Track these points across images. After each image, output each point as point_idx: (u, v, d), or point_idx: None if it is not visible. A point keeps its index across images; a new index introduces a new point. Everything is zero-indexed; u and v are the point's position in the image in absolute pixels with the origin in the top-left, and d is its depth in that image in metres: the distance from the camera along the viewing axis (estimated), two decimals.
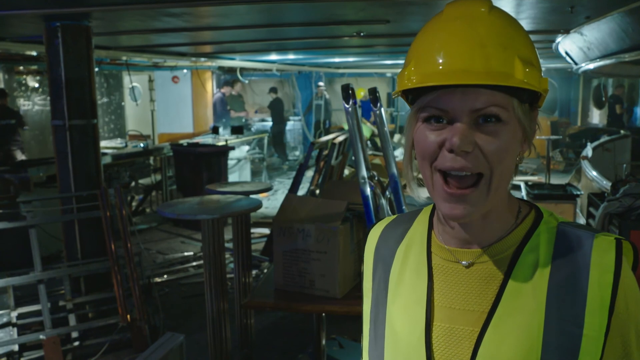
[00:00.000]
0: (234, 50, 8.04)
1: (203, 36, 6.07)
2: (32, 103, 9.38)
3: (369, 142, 11.05)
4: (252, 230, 6.17)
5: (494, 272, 0.84)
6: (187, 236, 6.85)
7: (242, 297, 3.79)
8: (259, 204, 3.61)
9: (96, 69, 5.12)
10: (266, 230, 6.65)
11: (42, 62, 7.44)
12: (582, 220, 5.19)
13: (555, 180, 8.71)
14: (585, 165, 6.45)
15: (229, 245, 4.51)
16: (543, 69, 0.85)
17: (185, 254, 6.13)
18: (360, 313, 1.04)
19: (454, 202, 0.79)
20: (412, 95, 0.83)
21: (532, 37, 0.82)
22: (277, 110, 12.73)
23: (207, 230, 3.37)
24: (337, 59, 10.33)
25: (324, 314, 2.85)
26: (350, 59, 10.45)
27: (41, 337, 3.72)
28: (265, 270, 5.16)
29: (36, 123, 9.29)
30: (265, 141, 11.24)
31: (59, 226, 4.72)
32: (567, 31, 5.18)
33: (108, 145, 8.18)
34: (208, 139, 9.02)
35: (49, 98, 4.45)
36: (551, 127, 13.07)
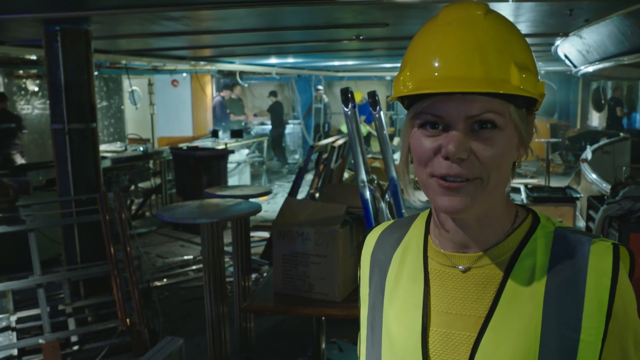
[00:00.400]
0: (234, 54, 8.05)
1: (202, 40, 6.08)
2: (32, 107, 9.39)
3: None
4: (252, 233, 6.16)
5: (491, 276, 0.84)
6: (186, 240, 6.84)
7: (241, 301, 3.79)
8: (258, 208, 3.61)
9: (95, 73, 5.12)
10: (266, 234, 6.65)
11: (42, 66, 7.45)
12: (582, 223, 5.19)
13: (555, 183, 8.71)
14: (585, 168, 6.45)
15: (229, 249, 4.50)
16: (542, 72, 0.85)
17: (185, 257, 6.12)
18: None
19: (451, 195, 0.78)
20: (407, 100, 0.83)
21: (531, 40, 0.82)
22: (277, 114, 12.74)
23: (207, 234, 3.37)
24: (336, 63, 10.34)
25: (323, 318, 2.85)
26: (350, 63, 10.46)
27: (40, 341, 3.71)
28: (265, 274, 5.15)
29: (36, 127, 9.30)
30: (265, 145, 11.24)
31: (59, 230, 4.72)
32: (566, 34, 5.18)
33: (108, 149, 8.18)
34: (208, 143, 9.02)
35: (48, 102, 4.45)
36: (550, 130, 13.07)
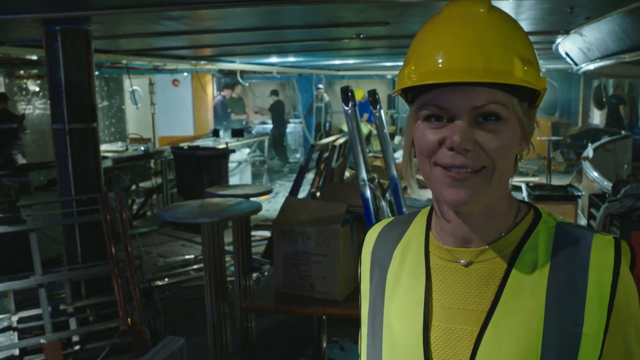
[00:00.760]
0: (234, 53, 8.05)
1: (203, 39, 6.08)
2: (33, 107, 9.39)
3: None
4: (253, 233, 6.16)
5: (493, 271, 0.84)
6: (188, 239, 6.84)
7: (242, 300, 3.79)
8: (259, 207, 3.61)
9: (96, 73, 5.12)
10: (267, 233, 6.65)
11: (43, 66, 7.44)
12: (583, 221, 5.18)
13: (556, 181, 8.70)
14: (586, 166, 6.44)
15: (230, 248, 4.50)
16: (543, 70, 0.85)
17: (186, 257, 6.12)
18: None
19: (456, 187, 0.78)
20: (411, 94, 0.83)
21: (532, 38, 0.83)
22: (278, 113, 12.73)
23: (207, 233, 3.37)
24: (337, 61, 10.33)
25: (324, 317, 2.84)
26: (350, 61, 10.46)
27: (42, 341, 3.71)
28: (266, 273, 5.15)
29: (36, 127, 9.30)
30: (266, 144, 11.24)
31: (60, 230, 4.72)
32: (567, 32, 5.17)
33: (109, 148, 8.18)
34: (209, 142, 9.02)
35: (49, 102, 4.45)
36: (552, 128, 13.05)
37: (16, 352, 3.76)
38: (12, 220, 4.70)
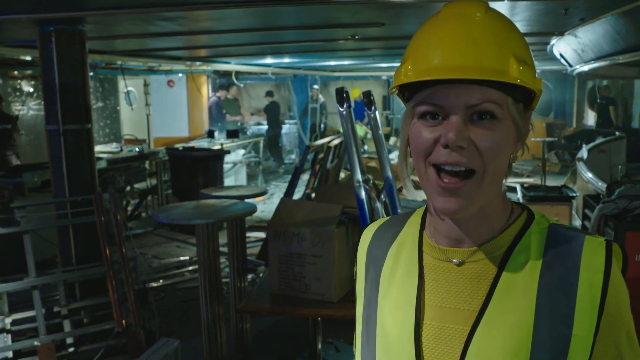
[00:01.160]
0: (229, 54, 8.03)
1: (198, 40, 6.06)
2: (27, 108, 9.35)
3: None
4: (248, 234, 6.15)
5: (485, 271, 0.84)
6: (182, 240, 6.83)
7: (237, 302, 3.78)
8: (254, 208, 3.61)
9: (91, 74, 5.11)
10: (262, 234, 6.64)
11: (37, 67, 7.41)
12: (577, 222, 5.20)
13: (551, 182, 8.73)
14: (581, 167, 6.46)
15: (225, 249, 4.49)
16: (538, 71, 0.86)
17: (181, 258, 6.11)
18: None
19: (447, 196, 0.80)
20: (408, 92, 0.84)
21: (527, 39, 0.83)
22: (273, 114, 12.72)
23: (202, 234, 3.36)
24: (332, 62, 10.33)
25: (319, 318, 2.84)
26: (346, 62, 10.46)
27: (36, 343, 3.70)
28: (261, 275, 5.14)
29: (31, 128, 9.25)
30: (261, 145, 11.22)
31: (54, 231, 4.70)
32: (561, 33, 5.19)
33: (103, 149, 8.15)
34: (204, 143, 9.01)
35: (43, 103, 4.43)
36: (547, 129, 13.10)
37: (10, 354, 3.74)
38: (6, 222, 4.68)
